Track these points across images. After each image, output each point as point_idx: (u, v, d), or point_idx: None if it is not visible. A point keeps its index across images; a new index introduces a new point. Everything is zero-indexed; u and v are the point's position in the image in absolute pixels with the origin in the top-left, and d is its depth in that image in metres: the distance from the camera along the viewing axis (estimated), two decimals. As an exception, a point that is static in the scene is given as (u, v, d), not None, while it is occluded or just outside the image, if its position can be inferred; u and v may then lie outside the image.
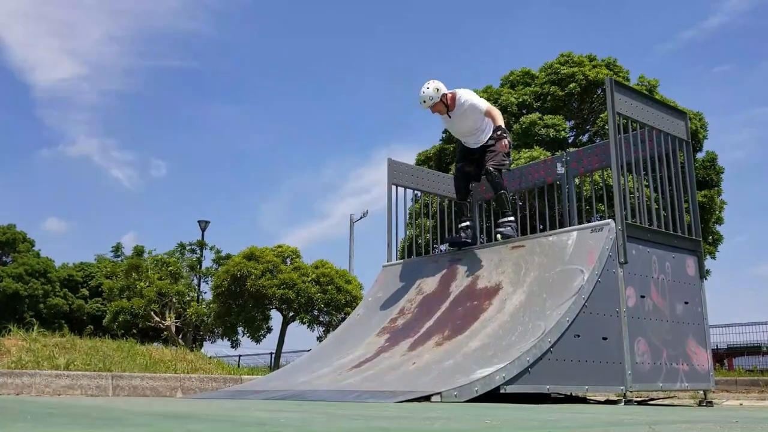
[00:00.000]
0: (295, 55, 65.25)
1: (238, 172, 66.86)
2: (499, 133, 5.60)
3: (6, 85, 56.16)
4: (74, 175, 62.62)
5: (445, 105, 5.75)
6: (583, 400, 5.21)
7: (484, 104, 5.86)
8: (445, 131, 19.53)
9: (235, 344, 20.97)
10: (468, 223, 5.99)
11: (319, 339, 18.31)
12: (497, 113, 5.75)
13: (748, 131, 51.01)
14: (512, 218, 5.87)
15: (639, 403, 5.20)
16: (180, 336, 21.63)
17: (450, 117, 5.82)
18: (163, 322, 21.06)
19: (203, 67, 63.19)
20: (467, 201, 6.10)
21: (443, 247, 6.16)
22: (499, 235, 5.82)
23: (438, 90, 5.68)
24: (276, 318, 19.43)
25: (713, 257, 17.46)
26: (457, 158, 6.21)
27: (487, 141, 5.81)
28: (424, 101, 5.69)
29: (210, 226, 24.21)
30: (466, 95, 5.80)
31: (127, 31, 58.36)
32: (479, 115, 5.79)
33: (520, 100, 17.83)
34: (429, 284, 5.81)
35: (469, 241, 5.99)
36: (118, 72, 59.28)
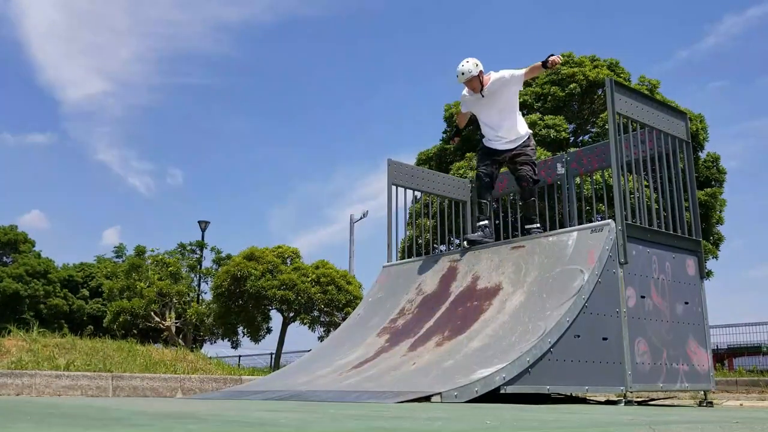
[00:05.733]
0: (306, 67, 66.53)
1: (251, 181, 68.42)
2: (531, 143, 5.90)
3: (37, 101, 59.47)
4: (77, 173, 63.27)
5: (481, 83, 5.76)
6: (583, 401, 5.20)
7: (520, 70, 5.83)
8: (444, 132, 19.51)
9: (235, 345, 21.02)
10: (486, 222, 5.91)
11: (320, 339, 18.32)
12: (530, 67, 5.78)
13: (742, 141, 51.98)
14: (539, 225, 5.88)
15: (639, 403, 5.20)
16: (180, 336, 21.64)
17: (483, 96, 5.80)
18: (163, 322, 21.06)
19: (222, 84, 65.07)
20: (488, 201, 5.98)
21: (443, 247, 6.13)
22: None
23: (477, 65, 5.70)
24: (276, 318, 19.46)
25: (715, 257, 17.36)
26: (480, 159, 6.05)
27: (516, 148, 5.84)
28: (462, 73, 5.68)
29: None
30: (504, 71, 5.83)
31: (154, 52, 61.05)
32: (512, 98, 5.92)
33: (521, 100, 17.78)
34: (429, 284, 5.81)
35: (487, 240, 5.90)
36: (143, 88, 61.26)
